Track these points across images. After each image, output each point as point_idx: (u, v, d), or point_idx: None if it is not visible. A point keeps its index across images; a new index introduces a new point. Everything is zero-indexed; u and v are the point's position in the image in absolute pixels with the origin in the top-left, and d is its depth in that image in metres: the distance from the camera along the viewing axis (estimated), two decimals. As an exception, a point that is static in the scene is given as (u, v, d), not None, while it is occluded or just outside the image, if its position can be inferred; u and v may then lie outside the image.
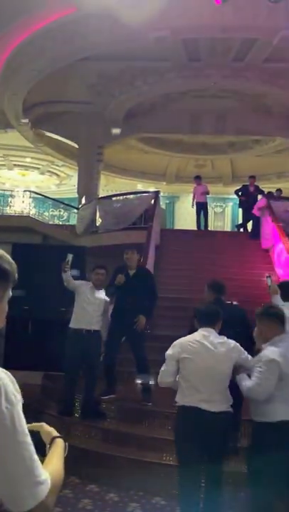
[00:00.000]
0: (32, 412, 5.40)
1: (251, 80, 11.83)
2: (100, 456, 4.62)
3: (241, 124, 14.06)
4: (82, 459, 4.45)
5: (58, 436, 1.33)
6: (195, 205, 13.39)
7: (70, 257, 5.38)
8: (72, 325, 5.37)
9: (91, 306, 5.30)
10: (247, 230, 12.49)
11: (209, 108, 13.71)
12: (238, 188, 13.13)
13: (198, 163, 18.49)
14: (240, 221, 13.72)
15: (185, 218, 19.74)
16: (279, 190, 13.46)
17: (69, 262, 5.36)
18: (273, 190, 13.49)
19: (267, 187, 14.38)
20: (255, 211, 11.28)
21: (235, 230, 14.07)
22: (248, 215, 12.26)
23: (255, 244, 10.53)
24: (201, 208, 13.31)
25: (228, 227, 19.99)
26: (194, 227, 16.90)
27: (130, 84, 12.33)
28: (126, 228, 11.25)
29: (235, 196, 14.48)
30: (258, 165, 16.76)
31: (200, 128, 14.46)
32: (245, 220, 12.59)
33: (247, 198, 12.24)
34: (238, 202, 14.16)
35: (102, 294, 5.41)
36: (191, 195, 20.33)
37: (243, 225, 12.75)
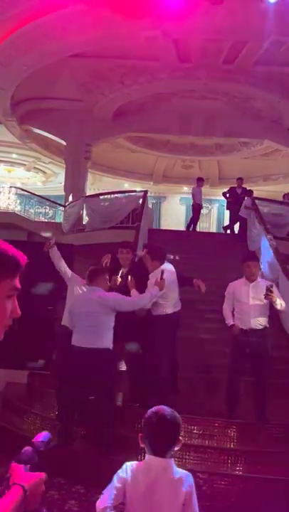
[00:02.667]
0: (17, 412, 5.35)
1: (240, 83, 11.90)
2: (86, 457, 4.58)
3: (230, 126, 14.15)
4: (68, 459, 4.41)
5: (19, 484, 1.17)
6: (193, 206, 13.41)
7: (53, 239, 5.17)
8: (64, 322, 5.11)
9: None
10: (234, 231, 12.56)
11: (198, 109, 13.74)
12: (225, 190, 13.19)
13: (185, 163, 18.54)
14: (227, 223, 13.77)
15: (171, 218, 19.80)
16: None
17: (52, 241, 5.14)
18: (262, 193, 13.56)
19: (253, 190, 14.47)
20: (242, 213, 11.35)
21: (222, 231, 14.12)
22: (235, 217, 12.32)
23: (241, 247, 10.57)
24: (199, 209, 13.37)
25: (213, 229, 20.08)
26: (180, 228, 17.01)
27: (120, 83, 12.30)
28: (113, 227, 11.21)
29: (221, 198, 14.56)
30: (244, 167, 16.89)
31: (188, 129, 14.49)
32: (232, 222, 12.65)
33: (234, 200, 12.30)
34: (224, 203, 14.25)
35: None
36: (178, 196, 20.66)
37: (230, 226, 12.81)
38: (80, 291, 5.04)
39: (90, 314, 4.42)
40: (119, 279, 5.12)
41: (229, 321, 4.98)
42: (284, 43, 9.27)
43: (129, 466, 2.10)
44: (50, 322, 5.49)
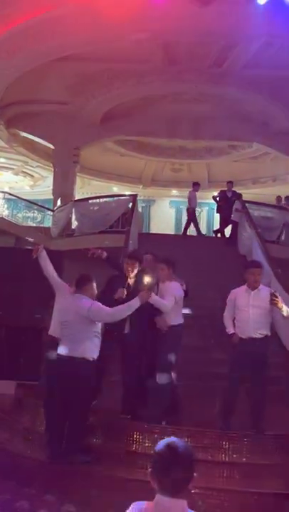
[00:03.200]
0: (4, 425, 5.17)
1: (229, 86, 11.86)
2: (57, 467, 4.41)
3: (218, 129, 14.10)
4: (39, 469, 4.25)
5: None
6: (189, 210, 13.28)
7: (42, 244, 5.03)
8: (52, 332, 4.95)
9: None
10: (224, 235, 12.48)
11: (187, 113, 13.68)
12: (214, 193, 13.13)
13: (174, 167, 18.47)
14: (217, 226, 13.68)
15: (161, 222, 19.69)
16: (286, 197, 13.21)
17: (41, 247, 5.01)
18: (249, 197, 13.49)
19: (243, 193, 14.43)
20: (234, 217, 11.29)
21: (212, 235, 14.03)
22: (225, 221, 12.26)
23: (232, 251, 10.50)
24: (194, 213, 13.26)
25: (203, 232, 19.97)
26: (170, 231, 16.91)
27: (108, 86, 12.19)
28: (103, 231, 11.08)
29: (211, 201, 14.49)
30: (234, 170, 16.86)
31: (177, 132, 14.43)
32: (223, 226, 12.58)
33: (225, 204, 12.23)
34: (214, 206, 14.19)
35: None
36: (168, 199, 20.56)
37: (221, 230, 12.73)
38: (65, 300, 4.91)
39: (69, 323, 4.39)
40: (125, 291, 4.87)
41: (230, 330, 4.87)
42: (273, 45, 9.21)
43: (137, 507, 1.86)
44: (38, 331, 5.32)
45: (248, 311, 4.75)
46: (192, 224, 13.15)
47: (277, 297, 4.57)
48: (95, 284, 4.57)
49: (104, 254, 5.17)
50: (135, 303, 4.27)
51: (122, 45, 9.96)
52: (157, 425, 4.60)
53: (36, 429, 4.91)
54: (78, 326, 4.30)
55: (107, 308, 4.36)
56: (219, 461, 4.20)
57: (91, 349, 4.32)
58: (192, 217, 13.18)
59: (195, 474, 1.78)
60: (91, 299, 4.40)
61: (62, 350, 4.36)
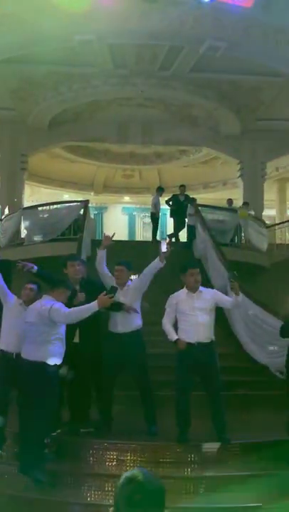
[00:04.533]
0: None
1: (177, 90, 11.84)
2: None
3: (168, 135, 14.07)
4: None
5: None
6: (156, 215, 13.05)
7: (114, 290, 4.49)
8: (4, 347, 4.76)
9: (20, 326, 4.59)
10: (178, 239, 12.39)
11: (136, 117, 13.57)
12: (167, 197, 13.02)
13: (126, 173, 18.32)
14: (172, 230, 13.56)
15: (114, 228, 19.33)
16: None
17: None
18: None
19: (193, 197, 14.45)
20: (189, 221, 11.21)
21: (167, 239, 13.89)
22: (179, 225, 12.17)
23: (188, 255, 10.40)
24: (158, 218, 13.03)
25: (157, 237, 19.90)
26: (124, 238, 16.68)
27: (55, 90, 11.88)
28: (54, 239, 10.70)
29: (164, 206, 14.38)
30: (184, 175, 16.88)
31: (127, 137, 14.28)
32: (177, 230, 12.49)
33: (177, 207, 12.15)
34: (166, 212, 14.09)
35: None
36: (120, 206, 20.35)
37: (175, 234, 12.63)
38: (13, 311, 4.72)
39: (30, 325, 4.22)
40: (84, 296, 4.68)
41: (173, 336, 4.58)
42: (219, 48, 9.24)
43: None
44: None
45: (196, 314, 4.53)
46: (152, 229, 12.98)
47: (235, 281, 4.46)
48: (68, 293, 4.39)
49: (35, 268, 4.88)
50: (93, 306, 4.03)
51: (67, 47, 9.69)
52: (110, 441, 4.31)
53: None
54: (41, 328, 4.13)
55: (67, 308, 4.16)
56: (183, 476, 3.97)
57: (49, 353, 4.12)
58: (156, 223, 13.01)
59: None
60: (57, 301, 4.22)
61: (23, 353, 4.22)
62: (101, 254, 5.16)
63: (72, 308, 4.22)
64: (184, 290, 4.70)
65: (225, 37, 9.04)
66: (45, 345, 4.11)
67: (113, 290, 4.14)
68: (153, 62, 10.81)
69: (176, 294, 4.75)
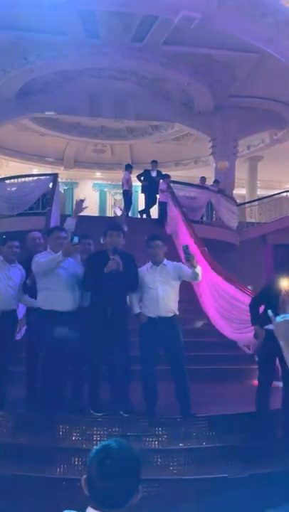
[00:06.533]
0: None
1: (150, 62, 11.55)
2: None
3: (141, 109, 13.78)
4: None
5: None
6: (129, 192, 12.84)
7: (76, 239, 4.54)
8: None
9: (5, 282, 4.63)
10: (149, 215, 12.30)
11: (108, 90, 13.21)
12: (139, 173, 12.85)
13: (97, 148, 17.98)
14: (143, 207, 13.46)
15: (84, 204, 19.13)
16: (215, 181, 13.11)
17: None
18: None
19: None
20: (161, 197, 11.11)
21: (138, 215, 13.78)
22: (150, 201, 12.06)
23: (160, 230, 10.34)
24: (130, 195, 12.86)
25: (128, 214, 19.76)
26: (94, 214, 16.46)
27: (23, 59, 11.40)
28: (22, 214, 10.45)
29: (135, 182, 14.22)
30: (156, 152, 16.65)
31: (99, 111, 13.91)
32: (148, 206, 12.38)
33: (149, 183, 12.02)
34: (138, 189, 13.93)
35: (17, 269, 4.76)
36: (91, 182, 20.03)
37: (146, 210, 12.53)
38: None
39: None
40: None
41: (135, 309, 4.54)
42: (194, 19, 9.00)
43: None
44: None
45: (156, 288, 4.45)
46: (124, 206, 12.80)
47: (190, 253, 4.36)
48: (61, 234, 4.54)
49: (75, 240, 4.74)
50: (58, 255, 4.23)
51: (37, 13, 9.25)
52: (85, 416, 4.27)
53: None
54: (35, 279, 4.51)
55: (44, 259, 4.36)
56: (151, 449, 3.97)
57: (42, 300, 4.40)
58: (130, 200, 12.84)
59: (140, 488, 1.42)
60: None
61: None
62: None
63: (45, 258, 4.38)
64: (148, 264, 4.64)
65: (199, 8, 8.81)
66: (40, 293, 4.44)
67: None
68: (126, 32, 10.48)
69: (140, 267, 4.66)
